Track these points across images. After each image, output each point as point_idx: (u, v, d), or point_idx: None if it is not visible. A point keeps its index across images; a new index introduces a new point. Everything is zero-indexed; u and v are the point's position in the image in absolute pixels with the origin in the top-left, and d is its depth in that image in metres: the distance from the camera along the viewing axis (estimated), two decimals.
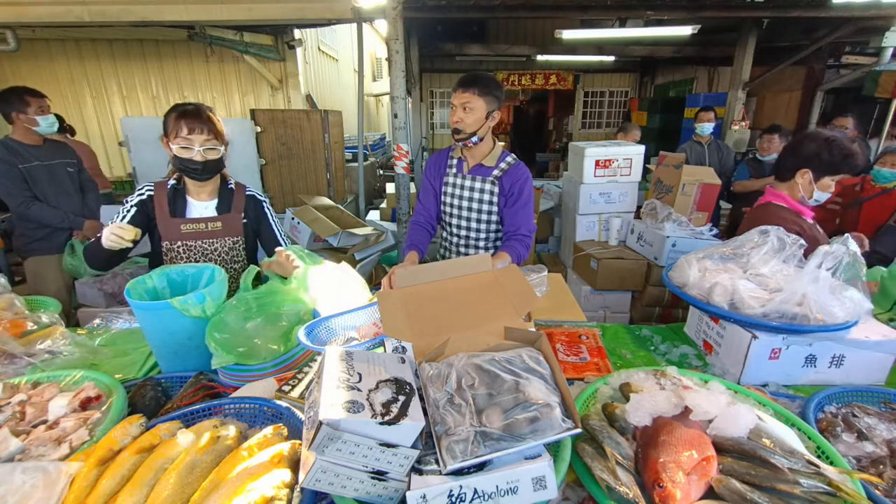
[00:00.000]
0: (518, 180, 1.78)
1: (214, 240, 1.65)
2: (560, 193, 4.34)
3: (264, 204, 1.77)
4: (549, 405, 0.74)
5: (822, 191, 1.63)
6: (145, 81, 5.70)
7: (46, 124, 2.59)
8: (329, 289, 1.40)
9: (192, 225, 1.61)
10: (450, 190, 1.87)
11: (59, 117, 2.75)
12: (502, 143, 1.89)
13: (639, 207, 3.49)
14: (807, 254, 1.31)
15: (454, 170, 1.86)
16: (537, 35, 8.57)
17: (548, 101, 12.96)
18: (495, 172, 1.78)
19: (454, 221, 1.91)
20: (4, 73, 5.34)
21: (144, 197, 1.60)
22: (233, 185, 1.71)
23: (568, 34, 6.03)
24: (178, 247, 1.61)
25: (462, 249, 1.95)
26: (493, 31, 8.52)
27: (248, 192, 1.74)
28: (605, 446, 0.80)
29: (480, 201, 1.82)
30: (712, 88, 8.27)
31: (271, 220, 1.78)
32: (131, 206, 1.59)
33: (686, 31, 5.66)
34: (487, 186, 1.80)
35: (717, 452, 0.78)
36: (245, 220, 1.71)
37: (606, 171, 3.49)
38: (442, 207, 1.92)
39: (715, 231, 3.07)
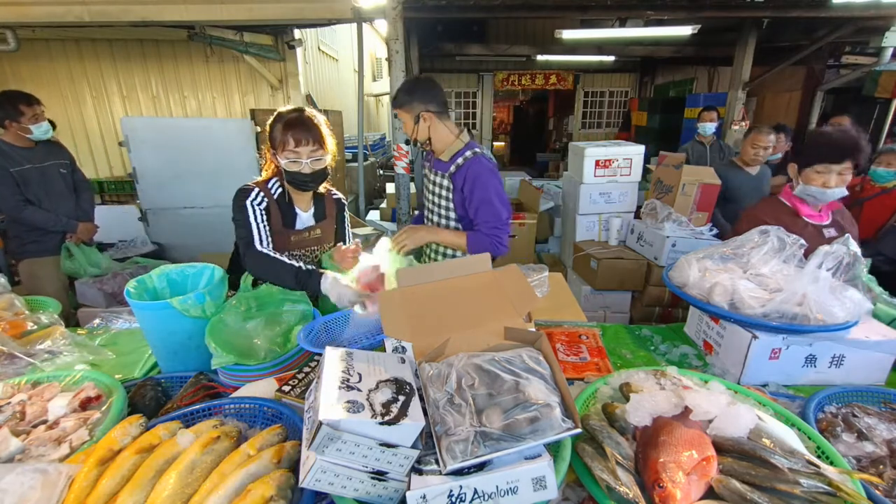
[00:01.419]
0: (469, 179, 1.77)
1: (315, 247, 1.67)
2: (560, 193, 4.34)
3: (345, 206, 1.80)
4: (549, 405, 0.74)
5: (807, 183, 1.65)
6: (145, 81, 5.70)
7: (40, 132, 2.54)
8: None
9: (299, 236, 1.63)
10: (424, 182, 1.99)
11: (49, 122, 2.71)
12: (466, 139, 1.86)
13: (639, 207, 3.49)
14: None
15: (428, 164, 1.96)
16: (537, 35, 8.57)
17: (548, 101, 12.96)
18: (451, 169, 1.81)
19: (426, 213, 2.02)
20: (4, 73, 5.33)
21: (265, 205, 1.55)
22: (322, 190, 1.70)
23: (568, 34, 6.03)
24: (286, 257, 1.56)
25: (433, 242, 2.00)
26: (494, 31, 8.52)
27: (334, 196, 1.75)
28: (605, 446, 0.80)
29: (439, 196, 1.89)
30: (712, 88, 8.27)
31: (346, 221, 1.82)
32: (262, 212, 1.53)
33: (686, 31, 5.67)
34: (445, 182, 1.84)
35: (717, 452, 0.78)
36: (336, 225, 1.75)
37: (606, 171, 3.49)
38: (421, 199, 2.07)
39: (715, 231, 3.07)
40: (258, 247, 1.48)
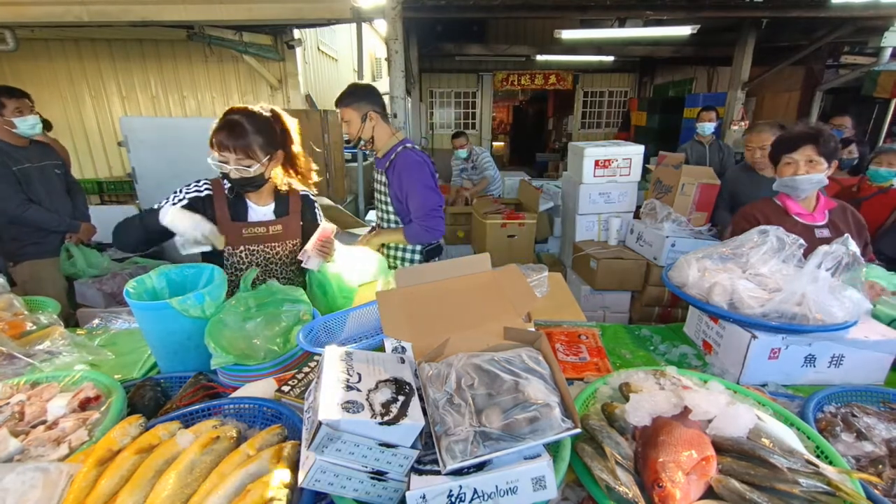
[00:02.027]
0: (397, 171, 1.94)
1: (276, 244, 1.63)
2: (559, 193, 4.34)
3: (315, 203, 1.78)
4: (548, 405, 0.74)
5: (780, 175, 1.77)
6: (144, 81, 5.70)
7: (25, 126, 2.48)
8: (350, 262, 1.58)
9: (253, 229, 1.58)
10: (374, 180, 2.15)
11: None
12: (400, 136, 2.02)
13: (638, 207, 3.50)
14: None
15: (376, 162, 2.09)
16: (537, 35, 8.58)
17: (547, 101, 12.97)
18: (386, 164, 1.98)
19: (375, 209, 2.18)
20: (3, 73, 5.33)
21: (202, 195, 1.53)
22: (285, 186, 1.68)
23: (567, 34, 6.04)
24: (241, 252, 1.57)
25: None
26: (493, 31, 8.52)
27: (301, 193, 1.72)
28: (604, 446, 0.80)
29: (381, 192, 2.06)
30: (711, 88, 8.28)
31: (318, 217, 1.78)
32: (182, 198, 1.52)
33: (685, 31, 5.67)
34: (383, 178, 2.02)
35: (716, 452, 0.78)
36: (302, 223, 1.71)
37: (606, 171, 3.50)
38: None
39: (714, 231, 3.07)
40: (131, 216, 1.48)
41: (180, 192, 1.54)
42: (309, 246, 1.52)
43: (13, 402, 0.97)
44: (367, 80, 6.12)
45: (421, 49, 6.71)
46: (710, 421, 0.84)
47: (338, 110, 1.95)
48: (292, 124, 1.62)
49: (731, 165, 4.06)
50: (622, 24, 5.57)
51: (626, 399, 0.94)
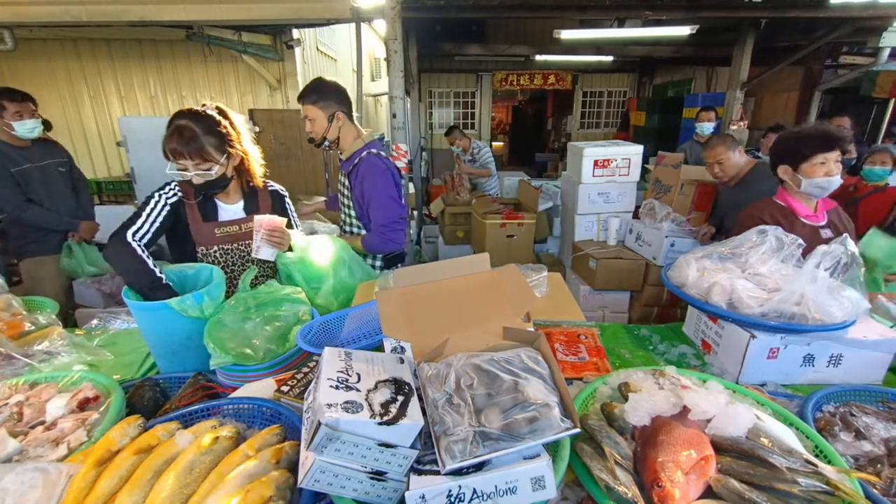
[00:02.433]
0: (359, 177, 1.86)
1: (249, 241, 1.62)
2: (559, 193, 4.35)
3: (286, 198, 1.75)
4: (547, 405, 0.74)
5: (810, 176, 1.70)
6: (143, 81, 5.69)
7: (24, 130, 2.49)
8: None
9: (226, 228, 1.57)
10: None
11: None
12: (367, 139, 1.94)
13: (637, 207, 3.50)
14: None
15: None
16: (536, 35, 8.58)
17: (546, 101, 12.97)
18: (349, 168, 1.90)
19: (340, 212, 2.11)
20: (2, 73, 5.31)
21: (175, 199, 1.52)
22: (253, 183, 1.66)
23: (567, 34, 6.04)
24: (215, 251, 1.56)
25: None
26: (492, 31, 8.52)
27: (270, 188, 1.70)
28: (603, 446, 0.81)
29: (343, 195, 1.98)
30: (711, 88, 8.28)
31: (291, 215, 1.76)
32: (165, 204, 1.50)
33: (684, 31, 5.67)
34: (346, 181, 1.94)
35: (715, 452, 0.78)
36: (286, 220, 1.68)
37: (605, 171, 3.50)
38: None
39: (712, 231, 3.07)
40: (129, 237, 1.38)
41: (160, 198, 1.51)
42: (256, 237, 1.50)
43: (12, 403, 0.97)
44: (366, 80, 6.12)
45: (420, 49, 6.71)
46: (709, 421, 0.84)
47: (300, 106, 1.81)
48: (239, 120, 1.59)
49: None
50: (621, 25, 5.57)
51: (626, 399, 0.94)
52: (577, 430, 0.73)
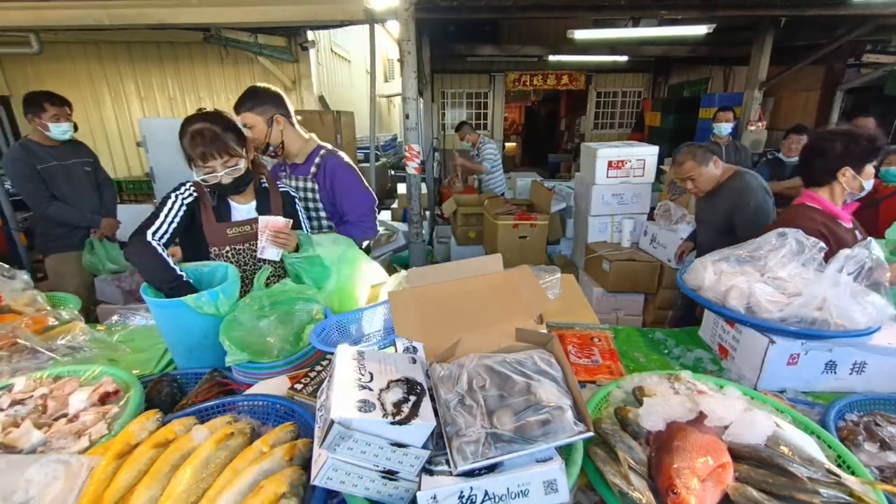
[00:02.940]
0: (328, 175, 1.89)
1: None
2: (572, 194, 4.31)
3: (296, 199, 1.76)
4: (560, 408, 0.74)
5: (868, 178, 1.64)
6: (162, 83, 5.81)
7: (58, 132, 2.62)
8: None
9: (238, 228, 1.59)
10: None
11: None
12: (316, 140, 1.95)
13: (652, 209, 3.45)
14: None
15: (285, 172, 1.97)
16: (549, 35, 8.52)
17: (560, 102, 12.89)
18: (312, 170, 1.89)
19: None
20: (27, 76, 5.48)
21: (191, 199, 1.55)
22: (265, 183, 1.68)
23: (580, 34, 6.00)
24: (227, 252, 1.58)
25: None
26: (506, 31, 8.50)
27: (281, 189, 1.72)
28: (617, 450, 0.80)
29: (306, 199, 1.92)
30: (728, 88, 8.14)
31: (301, 216, 1.77)
32: (182, 205, 1.52)
33: (701, 30, 5.59)
34: (309, 185, 1.91)
35: (733, 459, 0.77)
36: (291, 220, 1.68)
37: (619, 173, 3.47)
38: None
39: None
40: (149, 237, 1.40)
41: (176, 198, 1.53)
42: (262, 238, 1.51)
43: (36, 396, 1.00)
44: (379, 81, 6.15)
45: (433, 50, 6.72)
46: (726, 427, 0.83)
47: (237, 117, 1.78)
48: (236, 120, 1.61)
49: (748, 167, 3.99)
50: (636, 24, 5.51)
51: (640, 403, 0.93)
52: (591, 433, 0.72)
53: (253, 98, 1.79)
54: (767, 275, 1.30)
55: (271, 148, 1.86)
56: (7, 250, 3.67)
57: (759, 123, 5.92)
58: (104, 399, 1.01)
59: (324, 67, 6.45)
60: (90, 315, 2.41)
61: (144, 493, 0.73)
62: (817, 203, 1.68)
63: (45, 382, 1.06)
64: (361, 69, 8.97)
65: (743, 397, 0.96)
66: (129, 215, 3.12)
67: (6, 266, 1.67)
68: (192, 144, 1.43)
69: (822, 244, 1.31)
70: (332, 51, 6.98)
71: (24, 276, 1.67)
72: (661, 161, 3.81)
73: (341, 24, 4.77)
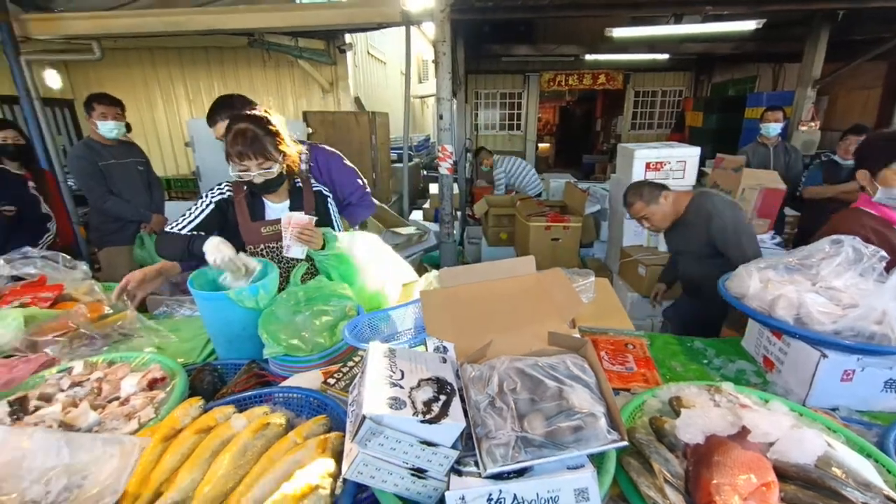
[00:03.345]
0: (321, 166, 2.06)
1: None
2: (607, 196, 4.21)
3: (328, 199, 1.79)
4: (593, 415, 0.72)
5: (889, 185, 1.51)
6: (209, 86, 6.10)
7: (105, 129, 2.80)
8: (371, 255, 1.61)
9: (271, 227, 1.63)
10: None
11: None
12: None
13: None
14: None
15: None
16: (586, 34, 8.34)
17: (595, 102, 12.61)
18: (303, 167, 1.98)
19: None
20: (89, 80, 5.90)
21: (225, 196, 1.62)
22: (300, 183, 1.72)
23: (618, 32, 5.83)
24: (262, 250, 1.64)
25: None
26: (541, 30, 8.38)
27: (314, 189, 1.76)
28: (652, 462, 0.77)
29: None
30: (777, 86, 7.71)
31: (334, 215, 1.79)
32: (210, 203, 1.60)
33: (749, 25, 5.30)
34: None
35: (778, 479, 0.73)
36: (317, 218, 1.71)
37: (657, 174, 3.35)
38: None
39: (778, 240, 2.86)
40: (167, 230, 1.55)
41: (206, 197, 1.62)
42: (286, 235, 1.53)
43: (93, 379, 1.07)
44: (413, 82, 6.22)
45: (467, 50, 6.72)
46: (771, 444, 0.79)
47: (210, 130, 1.89)
48: (280, 122, 1.64)
49: (799, 170, 3.76)
50: (678, 21, 5.30)
51: (677, 414, 0.89)
52: (625, 443, 0.70)
53: (223, 107, 1.87)
54: (820, 284, 1.22)
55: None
56: (69, 243, 3.95)
57: (812, 123, 5.57)
58: (152, 385, 1.07)
59: (360, 69, 6.58)
60: (140, 305, 2.56)
61: (187, 476, 0.77)
62: (870, 207, 1.58)
63: (100, 367, 1.14)
64: (396, 70, 9.09)
65: (790, 413, 0.91)
66: (175, 212, 3.30)
67: (68, 257, 1.80)
68: (233, 142, 1.49)
69: (884, 253, 1.22)
70: (368, 53, 7.11)
71: (83, 266, 1.79)
72: (702, 163, 3.66)
73: (378, 27, 4.85)
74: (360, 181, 2.10)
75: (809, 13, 5.09)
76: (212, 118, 1.91)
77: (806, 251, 1.33)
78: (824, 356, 1.11)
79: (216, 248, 1.39)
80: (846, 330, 1.09)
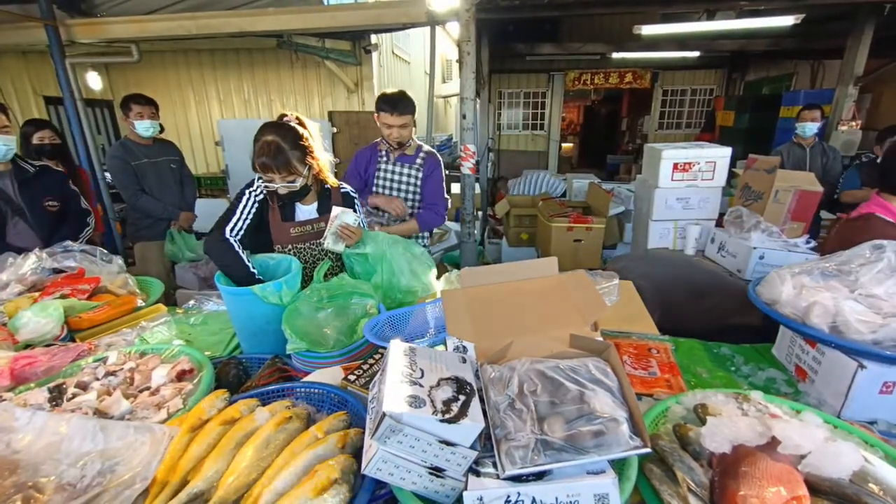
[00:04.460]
0: (431, 167, 2.38)
1: (320, 240, 1.70)
2: (631, 197, 4.12)
3: (356, 200, 1.82)
4: (615, 419, 0.71)
5: None
6: (239, 86, 6.28)
7: (141, 128, 2.91)
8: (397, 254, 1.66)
9: (300, 228, 1.69)
10: (382, 174, 2.39)
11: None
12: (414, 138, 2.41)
13: (721, 215, 3.21)
14: None
15: (384, 158, 2.38)
16: (613, 32, 8.19)
17: (621, 101, 12.35)
18: (418, 161, 2.38)
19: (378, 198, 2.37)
20: (128, 82, 6.16)
21: (262, 197, 1.66)
22: (329, 186, 1.75)
23: (648, 30, 5.70)
24: (289, 249, 1.69)
25: (389, 223, 2.36)
26: (567, 29, 8.27)
27: (342, 191, 1.79)
28: (675, 470, 0.75)
29: (407, 183, 2.39)
30: (816, 84, 7.37)
31: (360, 213, 1.81)
32: (254, 202, 1.63)
33: (786, 21, 5.09)
34: (413, 172, 2.38)
35: (810, 493, 0.70)
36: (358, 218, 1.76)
37: (685, 175, 3.26)
38: (375, 190, 2.41)
39: (812, 244, 2.73)
40: (227, 233, 1.52)
41: (250, 195, 1.63)
42: (331, 226, 1.61)
43: (126, 369, 1.12)
44: (437, 81, 6.24)
45: (492, 50, 6.70)
46: (803, 457, 0.75)
47: (402, 117, 2.21)
48: (314, 128, 1.69)
49: (838, 172, 3.59)
50: (711, 17, 5.15)
51: (702, 422, 0.87)
52: (648, 449, 0.69)
53: (411, 103, 2.23)
54: (858, 291, 1.16)
55: (409, 142, 2.34)
56: (106, 237, 4.14)
57: (853, 123, 5.30)
58: (181, 376, 1.11)
59: (385, 69, 6.64)
60: (170, 298, 2.66)
61: (212, 465, 0.79)
62: (887, 213, 1.49)
63: (132, 357, 1.19)
64: (420, 70, 9.12)
65: (824, 425, 0.87)
66: (205, 209, 3.42)
67: (105, 251, 1.88)
68: (259, 153, 1.52)
69: None
70: (392, 53, 7.16)
71: (119, 261, 1.87)
72: (733, 164, 3.54)
73: (403, 27, 4.89)
74: (442, 194, 2.45)
75: (853, 7, 4.85)
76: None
77: (844, 256, 1.27)
78: (862, 367, 1.06)
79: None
80: (887, 339, 1.03)
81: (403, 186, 2.38)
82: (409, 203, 2.39)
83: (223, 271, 1.47)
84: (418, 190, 2.39)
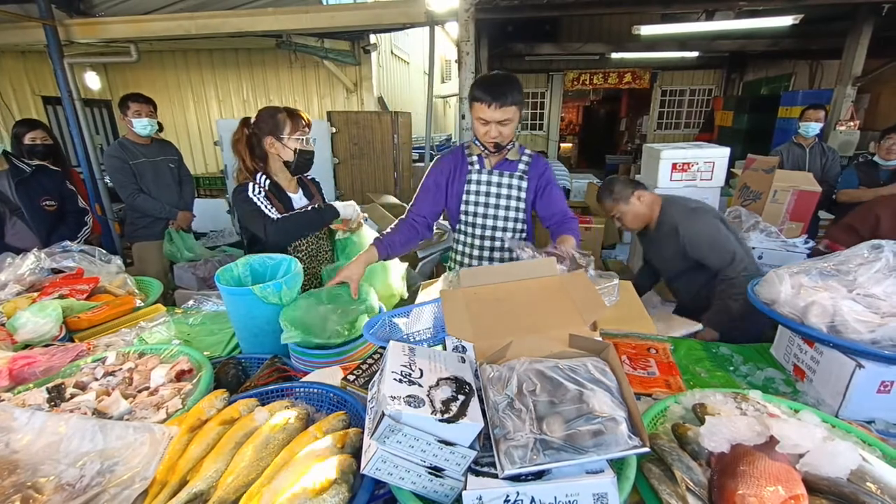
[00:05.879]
0: (545, 170, 1.79)
1: (315, 231, 1.86)
2: None
3: (319, 183, 2.03)
4: (614, 419, 0.71)
5: None
6: (238, 86, 6.27)
7: (139, 126, 2.90)
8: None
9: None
10: (474, 188, 1.76)
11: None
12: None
13: None
14: None
15: (476, 167, 1.76)
16: (613, 32, 8.20)
17: (620, 101, 12.37)
18: (521, 167, 1.75)
19: (478, 221, 1.79)
20: (126, 81, 6.15)
21: (263, 194, 1.73)
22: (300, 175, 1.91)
23: (647, 30, 5.70)
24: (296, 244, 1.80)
25: (487, 251, 1.81)
26: (566, 29, 8.28)
27: (308, 177, 1.96)
28: (674, 469, 0.75)
29: (509, 197, 1.75)
30: (814, 84, 7.39)
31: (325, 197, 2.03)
32: (265, 196, 1.72)
33: (785, 21, 5.10)
34: (515, 182, 1.75)
35: (808, 492, 0.70)
36: (322, 202, 1.93)
37: (684, 176, 3.26)
38: (463, 207, 1.79)
39: (811, 244, 2.74)
40: (272, 217, 1.67)
41: (255, 195, 1.71)
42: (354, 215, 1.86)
43: (125, 369, 1.11)
44: (436, 81, 6.24)
45: (491, 50, 6.70)
46: (801, 456, 0.76)
47: (506, 109, 1.56)
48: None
49: (837, 172, 3.59)
50: (710, 17, 5.16)
51: (701, 421, 0.87)
52: (647, 449, 0.69)
53: (516, 88, 1.58)
54: (857, 291, 1.17)
55: (510, 145, 1.73)
56: (104, 238, 4.13)
57: (851, 123, 5.32)
58: (180, 376, 1.11)
59: (384, 69, 6.64)
60: (168, 298, 2.66)
61: (212, 465, 0.79)
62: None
63: (131, 358, 1.19)
64: (419, 70, 9.12)
65: (822, 424, 0.87)
66: (203, 208, 3.41)
67: (104, 252, 1.88)
68: (290, 115, 1.75)
69: None
70: (391, 53, 7.16)
71: (117, 261, 1.87)
72: (731, 164, 3.54)
73: (403, 27, 4.89)
74: (566, 207, 2.10)
75: (852, 7, 4.86)
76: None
77: (843, 256, 1.28)
78: (860, 366, 1.06)
79: (347, 207, 1.84)
80: (885, 339, 1.03)
81: (503, 202, 1.75)
82: (511, 216, 1.77)
83: (304, 233, 1.77)
84: (521, 205, 1.76)
